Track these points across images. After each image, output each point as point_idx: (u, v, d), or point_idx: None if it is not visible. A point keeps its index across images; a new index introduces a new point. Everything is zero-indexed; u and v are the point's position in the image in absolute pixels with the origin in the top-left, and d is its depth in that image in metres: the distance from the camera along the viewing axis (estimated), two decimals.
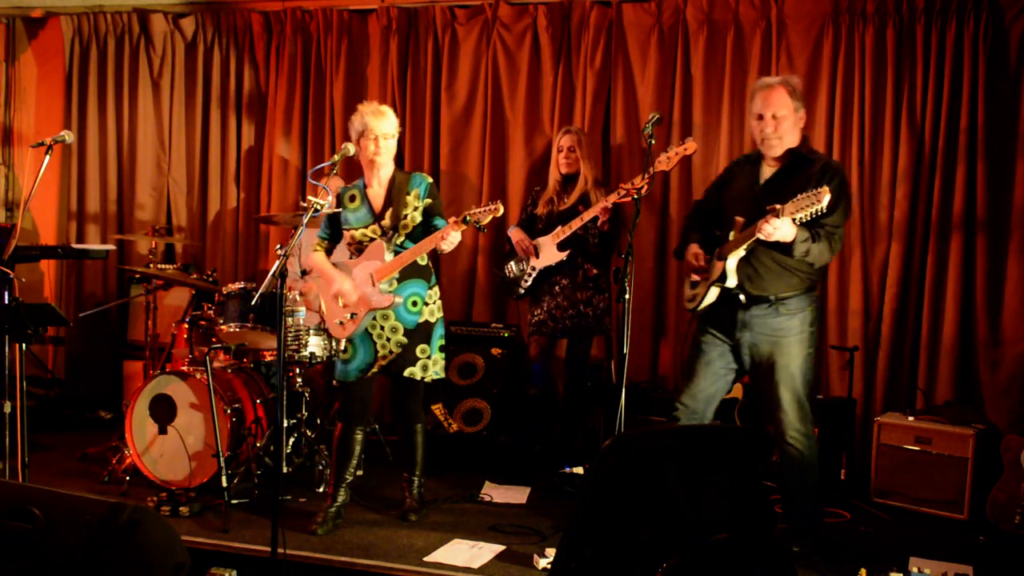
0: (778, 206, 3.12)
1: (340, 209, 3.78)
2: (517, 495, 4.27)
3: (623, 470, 2.03)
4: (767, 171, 3.47)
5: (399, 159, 5.37)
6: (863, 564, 3.34)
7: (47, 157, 3.60)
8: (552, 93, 5.15)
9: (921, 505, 4.15)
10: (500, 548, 3.56)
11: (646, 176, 3.60)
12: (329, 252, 3.86)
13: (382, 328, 3.70)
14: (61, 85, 5.98)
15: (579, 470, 4.52)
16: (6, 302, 3.47)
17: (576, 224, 4.41)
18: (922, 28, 4.51)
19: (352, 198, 3.75)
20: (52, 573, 2.07)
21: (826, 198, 3.02)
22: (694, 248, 3.56)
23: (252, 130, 5.71)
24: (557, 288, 4.57)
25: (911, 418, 4.26)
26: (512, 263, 4.74)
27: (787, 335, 3.40)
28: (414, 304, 3.71)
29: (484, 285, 5.29)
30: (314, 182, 3.47)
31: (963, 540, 3.82)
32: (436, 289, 3.82)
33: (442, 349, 3.80)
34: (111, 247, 5.50)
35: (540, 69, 5.18)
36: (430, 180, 3.77)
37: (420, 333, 3.73)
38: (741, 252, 3.34)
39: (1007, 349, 4.43)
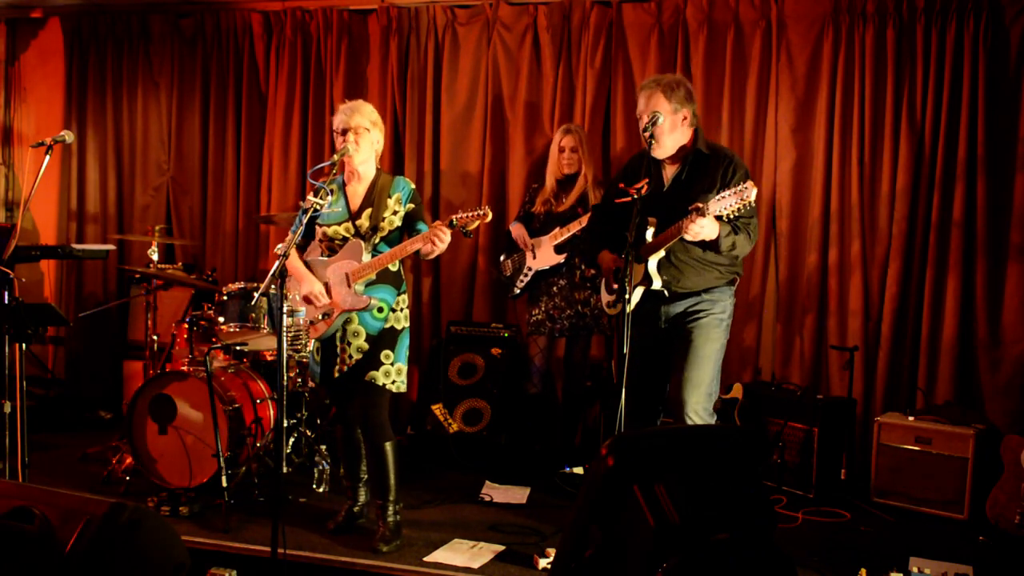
0: (700, 205, 3.13)
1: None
2: (517, 495, 4.28)
3: (622, 470, 2.03)
4: (670, 170, 3.50)
5: (399, 159, 5.39)
6: (863, 564, 3.35)
7: (47, 157, 3.60)
8: (552, 93, 5.15)
9: (921, 505, 4.15)
10: (500, 548, 3.56)
11: (648, 178, 3.60)
12: (302, 249, 3.71)
13: (344, 331, 3.55)
14: (61, 85, 5.98)
15: (579, 470, 4.52)
16: (6, 302, 3.47)
17: (575, 227, 4.41)
18: (922, 28, 4.51)
19: (330, 193, 3.54)
20: (52, 573, 2.07)
21: (754, 192, 3.06)
22: (608, 256, 3.57)
23: (252, 130, 5.70)
24: (555, 289, 4.57)
25: (911, 418, 4.26)
26: (509, 261, 4.74)
27: (706, 316, 3.44)
28: (379, 310, 3.53)
29: (484, 285, 5.29)
30: (314, 182, 3.46)
31: (963, 540, 3.83)
32: (405, 297, 3.64)
33: (408, 362, 3.62)
34: (111, 247, 5.50)
35: (540, 69, 5.18)
36: (413, 186, 3.61)
37: (384, 339, 3.55)
38: (661, 253, 3.36)
39: (1007, 349, 4.43)
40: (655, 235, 3.34)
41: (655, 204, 3.37)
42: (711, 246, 3.31)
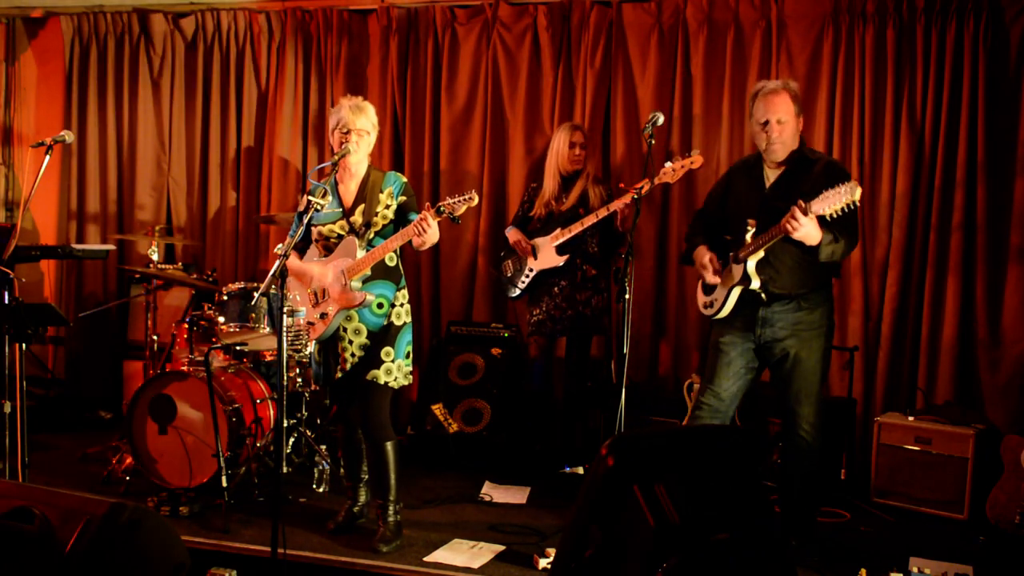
0: (801, 203, 3.13)
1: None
2: (517, 495, 4.28)
3: (622, 470, 2.03)
4: (771, 174, 3.51)
5: (399, 159, 5.39)
6: (863, 564, 3.35)
7: (47, 157, 3.60)
8: (552, 93, 5.15)
9: (921, 505, 4.15)
10: (500, 548, 3.56)
11: (649, 179, 3.62)
12: (301, 252, 3.69)
13: (344, 330, 3.56)
14: (61, 85, 5.98)
15: (579, 470, 4.52)
16: (6, 302, 3.47)
17: (576, 228, 4.39)
18: (922, 28, 4.51)
19: (324, 194, 3.48)
20: (52, 573, 2.07)
21: (858, 191, 3.05)
22: (706, 250, 3.58)
23: (252, 130, 5.70)
24: (556, 289, 4.56)
25: (911, 418, 4.26)
26: (510, 262, 4.74)
27: (809, 328, 3.45)
28: (379, 306, 3.53)
29: (484, 285, 5.28)
30: (314, 182, 3.45)
31: (963, 540, 3.83)
32: (405, 292, 3.63)
33: (409, 356, 3.61)
34: (111, 247, 5.50)
35: (540, 69, 5.18)
36: (404, 179, 3.62)
37: (385, 336, 3.55)
38: (760, 254, 3.38)
39: (1007, 349, 4.43)
40: (755, 236, 3.36)
41: (756, 206, 3.43)
42: (809, 250, 3.30)
